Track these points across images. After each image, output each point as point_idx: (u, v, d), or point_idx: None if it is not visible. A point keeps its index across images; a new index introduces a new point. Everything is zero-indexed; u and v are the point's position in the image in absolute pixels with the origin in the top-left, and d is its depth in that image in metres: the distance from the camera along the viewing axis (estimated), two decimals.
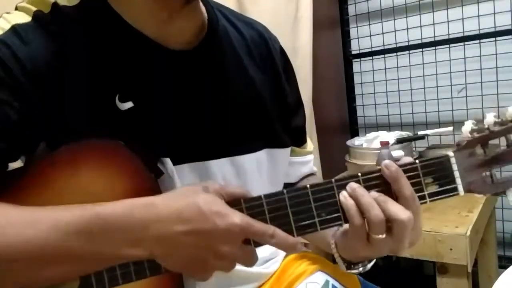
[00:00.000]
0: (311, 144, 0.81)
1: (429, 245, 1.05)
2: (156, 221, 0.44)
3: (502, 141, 0.53)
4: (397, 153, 1.30)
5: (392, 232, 0.48)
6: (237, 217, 0.45)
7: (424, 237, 1.06)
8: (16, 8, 0.53)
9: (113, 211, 0.44)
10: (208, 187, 0.48)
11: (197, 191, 0.47)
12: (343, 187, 0.49)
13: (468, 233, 1.02)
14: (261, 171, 0.65)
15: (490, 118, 0.52)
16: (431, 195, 0.51)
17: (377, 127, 1.92)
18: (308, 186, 0.49)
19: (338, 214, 0.49)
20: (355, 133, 2.00)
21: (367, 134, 1.62)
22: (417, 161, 0.51)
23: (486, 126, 0.52)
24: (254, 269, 0.68)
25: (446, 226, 1.06)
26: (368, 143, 1.51)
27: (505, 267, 0.67)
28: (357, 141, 1.58)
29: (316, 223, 0.49)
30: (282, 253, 0.74)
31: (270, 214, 0.48)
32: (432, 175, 0.51)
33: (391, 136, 1.50)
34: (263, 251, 0.69)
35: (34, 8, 0.51)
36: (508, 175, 0.53)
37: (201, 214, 0.44)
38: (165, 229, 0.44)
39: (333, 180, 0.50)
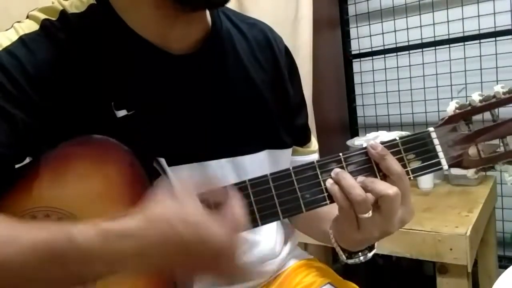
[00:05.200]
0: (315, 143, 0.81)
1: (429, 245, 1.05)
2: (134, 254, 0.42)
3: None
4: None
5: (380, 209, 0.50)
6: (220, 237, 0.43)
7: (424, 237, 1.06)
8: (27, 17, 0.54)
9: (87, 242, 0.41)
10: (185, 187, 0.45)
11: (180, 210, 0.43)
12: (324, 167, 0.51)
13: (468, 233, 1.02)
14: (262, 171, 0.65)
15: (475, 97, 0.53)
16: (414, 171, 0.52)
17: (377, 127, 1.92)
18: (291, 168, 0.50)
19: (322, 194, 0.50)
20: (355, 133, 2.00)
21: (367, 134, 1.62)
22: (397, 137, 0.51)
23: (468, 103, 0.53)
24: (254, 267, 0.68)
25: (446, 226, 1.06)
26: (368, 143, 1.51)
27: (505, 267, 0.67)
28: (357, 141, 1.58)
29: (301, 205, 0.50)
30: (282, 254, 0.74)
31: (255, 197, 0.48)
32: (413, 151, 0.52)
33: (391, 136, 1.49)
34: (261, 250, 0.69)
35: (42, 17, 0.53)
36: (496, 150, 0.53)
37: (183, 245, 0.42)
38: (145, 262, 0.43)
39: (315, 161, 0.51)
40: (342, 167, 0.51)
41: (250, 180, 0.49)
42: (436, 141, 0.52)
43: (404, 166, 0.51)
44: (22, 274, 0.42)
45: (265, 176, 0.49)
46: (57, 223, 0.43)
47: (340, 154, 0.51)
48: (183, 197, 0.43)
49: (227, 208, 0.45)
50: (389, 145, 0.51)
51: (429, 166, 0.52)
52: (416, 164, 0.51)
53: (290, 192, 0.49)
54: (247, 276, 0.48)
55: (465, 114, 0.53)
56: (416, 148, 0.52)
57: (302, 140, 0.76)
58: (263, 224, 0.49)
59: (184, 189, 0.44)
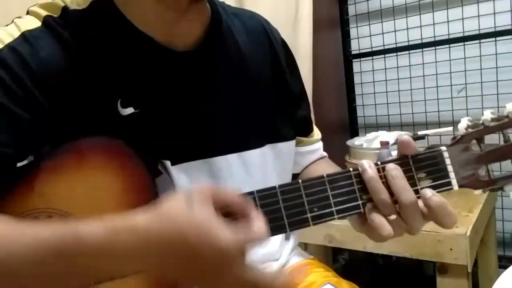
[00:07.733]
0: (318, 132, 0.81)
1: (429, 245, 1.05)
2: (140, 252, 0.41)
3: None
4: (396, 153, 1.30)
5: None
6: (227, 240, 0.40)
7: (424, 237, 1.06)
8: (28, 12, 0.53)
9: (93, 236, 0.41)
10: (193, 194, 0.43)
11: (190, 214, 0.41)
12: (334, 182, 0.49)
13: (468, 233, 1.02)
14: (267, 165, 0.65)
15: (487, 115, 0.52)
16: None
17: (377, 127, 1.92)
18: (300, 181, 0.49)
19: (330, 209, 0.49)
20: (355, 133, 1.99)
21: (367, 134, 1.62)
22: (409, 155, 0.51)
23: (481, 122, 0.52)
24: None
25: None
26: (368, 143, 1.51)
27: (505, 267, 0.67)
28: (357, 141, 1.58)
29: (308, 218, 0.49)
30: (284, 255, 0.74)
31: (262, 209, 0.47)
32: (424, 170, 0.51)
33: (391, 136, 1.49)
34: (261, 250, 0.68)
35: (44, 13, 0.52)
36: (506, 171, 0.53)
37: (189, 248, 0.40)
38: (150, 261, 0.42)
39: (325, 175, 0.50)
40: (352, 184, 0.50)
41: (258, 191, 0.48)
42: (447, 161, 0.51)
43: (414, 184, 0.50)
44: (28, 271, 0.41)
45: (274, 188, 0.48)
46: (62, 220, 0.43)
47: (351, 169, 0.50)
48: (197, 202, 0.42)
49: (248, 219, 0.44)
50: (401, 162, 0.50)
51: (439, 185, 0.51)
52: (426, 183, 0.50)
53: (298, 205, 0.48)
54: None
55: (478, 133, 0.52)
56: (427, 167, 0.51)
57: (305, 131, 0.77)
58: (269, 236, 0.49)
59: (199, 194, 0.43)
